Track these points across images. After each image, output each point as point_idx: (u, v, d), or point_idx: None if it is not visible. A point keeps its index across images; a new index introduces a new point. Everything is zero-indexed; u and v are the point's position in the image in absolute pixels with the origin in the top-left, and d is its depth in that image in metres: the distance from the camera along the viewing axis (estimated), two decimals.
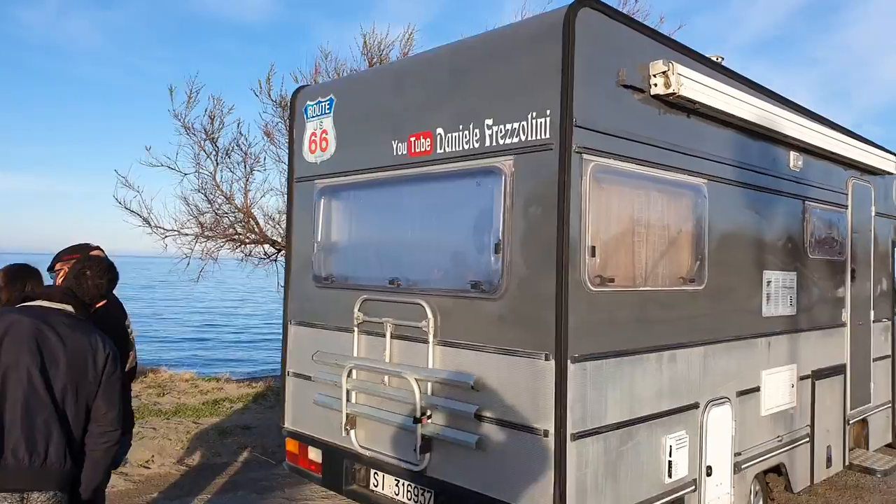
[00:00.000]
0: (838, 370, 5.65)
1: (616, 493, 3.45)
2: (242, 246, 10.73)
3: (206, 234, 10.37)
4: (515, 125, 3.40)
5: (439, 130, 3.76)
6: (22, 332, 2.70)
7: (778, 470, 4.93)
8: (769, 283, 4.73)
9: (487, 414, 3.45)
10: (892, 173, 6.41)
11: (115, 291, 3.23)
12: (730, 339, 4.30)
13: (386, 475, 4.06)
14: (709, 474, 4.08)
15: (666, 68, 3.56)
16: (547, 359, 3.21)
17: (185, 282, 10.43)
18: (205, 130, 10.00)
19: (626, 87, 3.51)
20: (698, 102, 3.79)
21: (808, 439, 5.19)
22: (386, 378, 3.96)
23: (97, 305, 3.09)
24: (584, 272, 3.26)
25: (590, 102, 3.29)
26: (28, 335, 2.70)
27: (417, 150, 3.88)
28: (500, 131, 3.46)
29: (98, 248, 3.42)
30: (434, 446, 3.71)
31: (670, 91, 3.58)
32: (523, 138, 3.37)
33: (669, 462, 3.77)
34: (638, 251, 3.66)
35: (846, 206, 5.78)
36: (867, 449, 6.26)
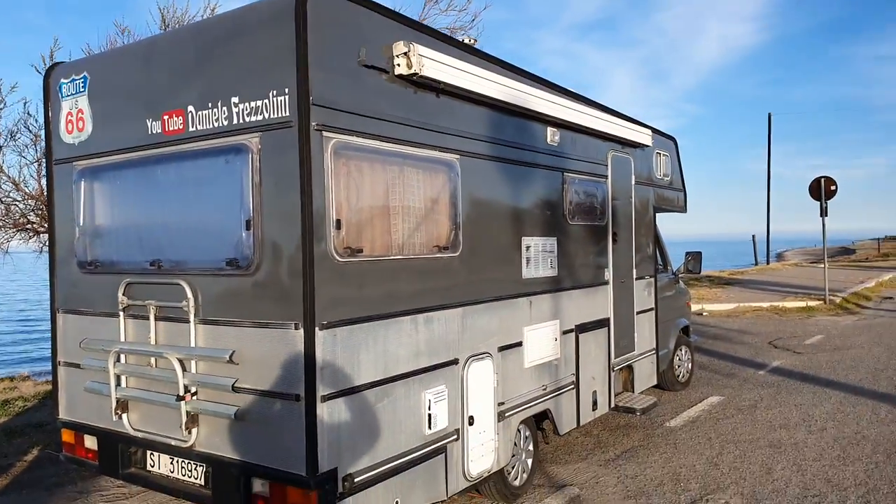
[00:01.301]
0: (602, 323, 6.36)
1: (374, 447, 3.73)
2: (38, 236, 9.93)
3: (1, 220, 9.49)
4: (259, 103, 3.51)
5: (190, 108, 3.78)
6: None
7: (545, 415, 5.51)
8: (528, 248, 5.22)
9: (245, 385, 3.58)
10: (648, 146, 7.25)
11: None
12: (489, 299, 4.73)
13: (161, 455, 4.08)
14: (471, 423, 4.49)
15: (407, 49, 3.82)
16: (297, 328, 3.40)
17: None
18: None
19: (368, 67, 3.73)
20: (442, 82, 4.10)
21: (573, 387, 5.82)
22: (152, 360, 3.97)
23: None
24: (330, 244, 3.46)
25: (328, 81, 3.46)
26: None
27: (171, 129, 3.87)
28: (246, 109, 3.56)
29: None
30: (200, 422, 3.79)
31: (412, 72, 3.85)
32: (266, 116, 3.49)
33: (429, 415, 4.12)
34: (389, 223, 3.91)
35: (606, 177, 6.47)
36: (633, 392, 7.13)
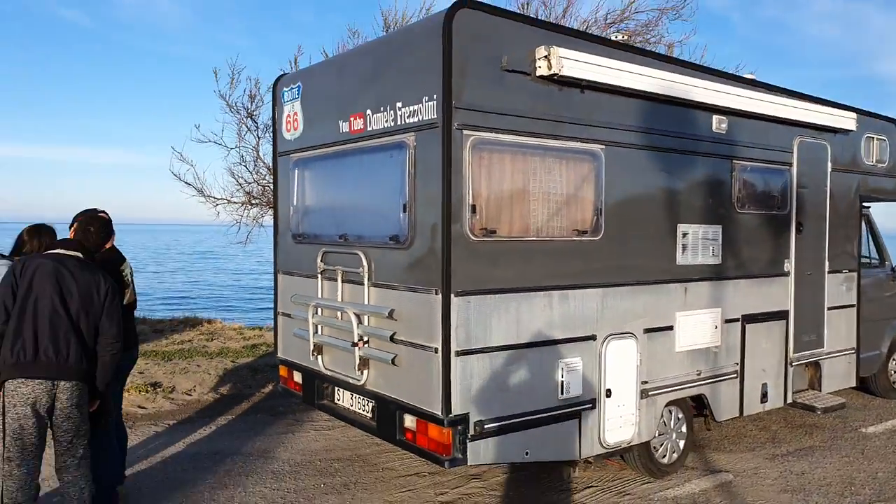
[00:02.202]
0: (778, 316, 6.19)
1: (504, 401, 4.31)
2: None
3: (252, 202, 11.64)
4: (415, 107, 4.24)
5: (368, 111, 4.64)
6: (46, 271, 3.81)
7: (700, 400, 5.62)
8: (685, 235, 5.36)
9: (400, 337, 4.38)
10: (852, 130, 6.75)
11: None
12: (633, 283, 5.01)
13: (344, 391, 5.08)
14: (608, 396, 4.85)
15: (547, 53, 4.29)
16: (436, 293, 4.10)
17: (237, 245, 11.77)
18: (245, 109, 11.19)
19: (510, 71, 4.26)
20: (584, 80, 4.49)
21: (735, 376, 5.81)
22: (338, 313, 4.95)
23: (101, 252, 4.22)
24: (465, 226, 4.10)
25: (470, 87, 4.07)
26: (50, 273, 3.81)
27: (355, 129, 4.78)
28: (407, 112, 4.31)
29: (103, 211, 4.52)
30: (370, 365, 4.68)
31: (553, 72, 4.31)
32: (420, 118, 4.20)
33: (562, 382, 4.58)
34: (527, 208, 4.43)
35: (790, 164, 6.24)
36: (820, 390, 6.77)
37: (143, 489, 4.89)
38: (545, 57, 4.30)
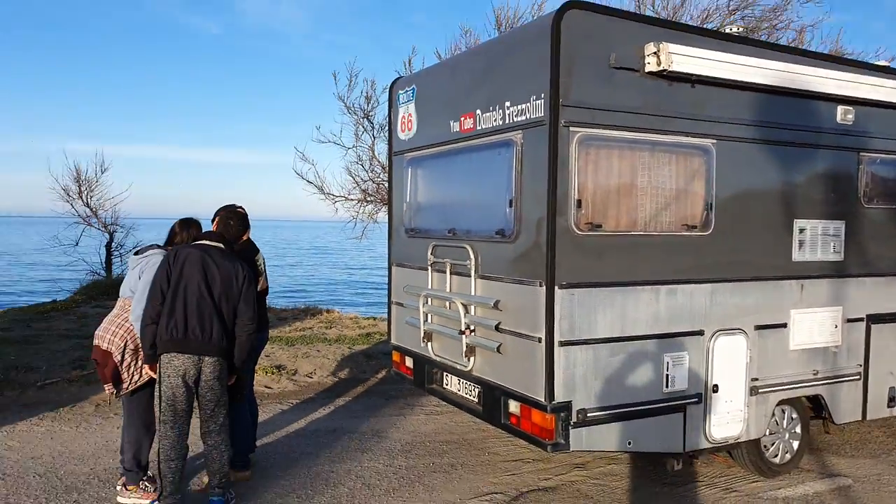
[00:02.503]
0: None
1: (607, 392, 4.41)
2: None
3: (367, 199, 12.22)
4: (523, 106, 4.41)
5: (478, 111, 4.86)
6: (194, 259, 4.31)
7: (818, 401, 5.44)
8: (802, 231, 5.20)
9: (505, 327, 4.58)
10: None
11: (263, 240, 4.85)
12: (744, 279, 4.93)
13: (452, 376, 5.34)
14: (715, 391, 4.83)
15: (656, 49, 4.33)
16: (540, 285, 4.26)
17: (352, 241, 12.40)
18: (362, 110, 11.75)
19: (619, 68, 4.34)
20: (695, 74, 4.48)
21: (858, 377, 5.57)
22: (447, 303, 5.21)
23: (238, 243, 4.71)
24: (570, 220, 4.23)
25: (578, 85, 4.19)
26: (197, 261, 4.30)
27: (465, 128, 5.02)
28: (515, 111, 4.49)
29: (241, 207, 5.02)
30: (476, 352, 4.92)
31: (662, 68, 4.34)
32: (528, 116, 4.37)
33: (667, 375, 4.61)
34: (634, 202, 4.49)
35: None
36: None
37: (270, 458, 5.38)
38: (654, 53, 4.34)
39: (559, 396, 4.25)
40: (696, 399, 4.75)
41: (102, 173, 14.69)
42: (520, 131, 4.45)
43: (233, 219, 4.75)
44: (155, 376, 4.27)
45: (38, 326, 9.96)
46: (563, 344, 4.25)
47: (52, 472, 4.98)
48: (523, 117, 4.41)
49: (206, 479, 4.44)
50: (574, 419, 4.30)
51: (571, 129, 4.21)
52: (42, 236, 15.86)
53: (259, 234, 5.53)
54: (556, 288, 4.21)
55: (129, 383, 4.39)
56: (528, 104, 4.36)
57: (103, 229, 14.70)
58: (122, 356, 4.33)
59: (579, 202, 4.25)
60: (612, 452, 5.16)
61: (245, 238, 4.99)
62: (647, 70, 4.39)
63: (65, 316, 11.00)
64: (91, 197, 14.24)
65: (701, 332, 4.76)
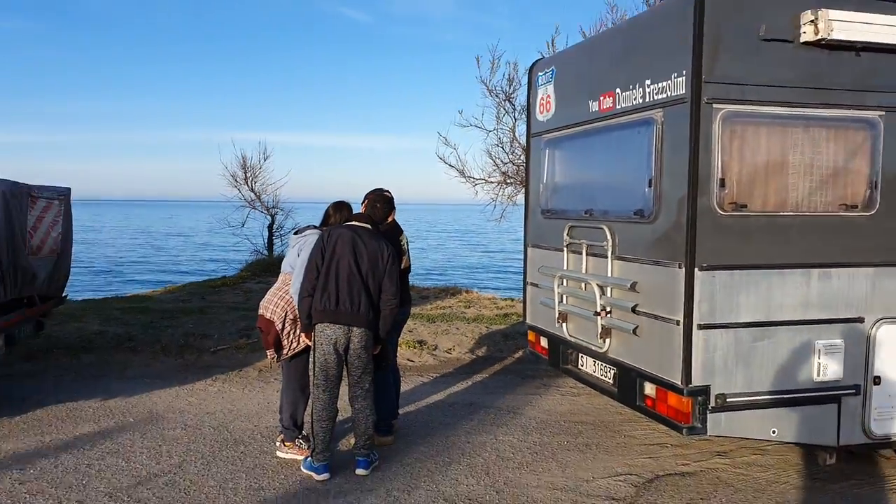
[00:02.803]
0: None
1: (749, 377, 4.25)
2: None
3: (507, 181, 12.35)
4: (664, 83, 4.32)
5: (617, 90, 4.82)
6: (345, 239, 4.66)
7: None
8: None
9: (641, 309, 4.54)
10: None
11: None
12: None
13: (587, 357, 5.37)
14: (877, 383, 4.50)
15: (814, 17, 4.08)
16: (680, 267, 4.18)
17: (491, 223, 12.61)
18: (504, 92, 11.86)
19: (769, 40, 4.13)
20: (859, 42, 4.17)
21: None
22: (582, 284, 5.24)
23: (384, 224, 5.04)
24: (713, 200, 4.11)
25: (722, 60, 4.05)
26: (348, 241, 4.65)
27: (604, 108, 4.99)
28: (655, 89, 4.41)
29: (387, 190, 5.32)
30: (611, 334, 4.91)
31: (819, 37, 4.09)
32: (669, 94, 4.28)
33: (819, 364, 4.36)
34: (785, 181, 4.27)
35: None
36: None
37: (411, 426, 5.71)
38: (811, 21, 4.08)
39: (697, 380, 4.17)
40: (852, 390, 4.46)
41: (265, 160, 15.96)
42: (660, 110, 4.37)
43: (379, 202, 5.07)
44: (311, 344, 4.68)
45: (210, 299, 11.10)
46: (702, 327, 4.16)
47: (223, 426, 5.62)
48: (664, 95, 4.33)
49: (353, 440, 4.82)
50: (713, 403, 4.21)
51: (715, 106, 4.08)
52: (214, 219, 17.51)
53: (403, 217, 5.86)
54: (697, 270, 4.12)
55: (288, 350, 4.85)
56: (670, 82, 4.26)
57: (266, 212, 15.98)
58: (283, 325, 4.79)
59: (722, 181, 4.12)
60: (754, 440, 4.96)
61: (391, 220, 5.30)
62: (802, 40, 4.14)
63: (233, 290, 12.16)
64: (255, 182, 15.55)
65: (860, 320, 4.45)
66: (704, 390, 4.19)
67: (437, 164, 12.59)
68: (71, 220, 6.28)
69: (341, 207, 5.09)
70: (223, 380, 7.02)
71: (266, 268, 14.02)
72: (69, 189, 6.16)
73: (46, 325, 6.62)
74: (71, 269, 6.39)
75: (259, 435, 5.44)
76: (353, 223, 4.80)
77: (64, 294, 6.56)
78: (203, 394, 6.54)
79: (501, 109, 11.99)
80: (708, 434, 4.23)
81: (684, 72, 4.13)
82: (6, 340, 5.49)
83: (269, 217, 15.95)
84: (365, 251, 4.60)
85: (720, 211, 4.14)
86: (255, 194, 15.55)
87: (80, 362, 7.41)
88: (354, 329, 4.57)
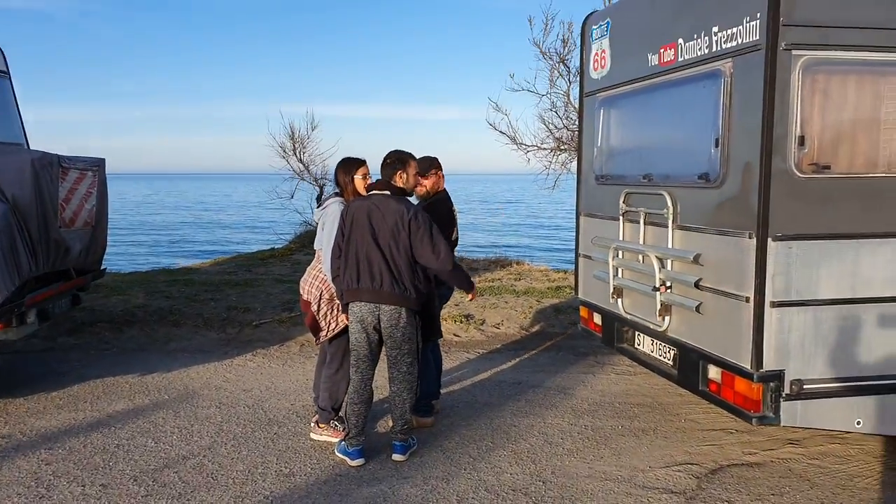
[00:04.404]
0: None
1: (831, 362, 3.77)
2: None
3: (561, 147, 11.79)
4: (734, 30, 3.79)
5: (680, 41, 4.29)
6: (361, 212, 4.26)
7: None
8: None
9: (706, 284, 4.07)
10: None
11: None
12: None
13: (644, 336, 4.94)
14: None
15: None
16: (750, 237, 3.70)
17: (544, 192, 12.11)
18: (558, 54, 11.26)
19: None
20: None
21: None
22: (640, 256, 4.78)
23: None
24: (790, 161, 3.60)
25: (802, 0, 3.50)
26: (364, 214, 4.22)
27: (665, 60, 4.47)
28: (723, 37, 3.88)
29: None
30: (671, 311, 4.46)
31: None
32: (740, 41, 3.75)
33: None
34: (876, 139, 3.72)
35: None
36: None
37: (454, 406, 5.41)
38: None
39: (769, 364, 3.71)
40: None
41: (312, 130, 15.74)
42: (729, 59, 3.85)
43: (388, 159, 4.42)
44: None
45: (257, 271, 11.02)
46: (775, 305, 3.68)
47: (258, 405, 5.43)
48: (734, 42, 3.80)
49: (391, 423, 4.54)
50: (787, 391, 3.74)
51: (794, 52, 3.54)
52: (263, 192, 17.48)
53: (454, 187, 5.48)
54: (770, 240, 3.63)
55: (327, 331, 4.59)
56: (741, 27, 3.74)
57: (314, 183, 15.81)
58: (319, 305, 4.53)
59: (801, 139, 3.60)
60: (835, 432, 4.46)
61: (439, 188, 4.96)
62: None
63: (280, 262, 12.06)
64: (304, 153, 15.36)
65: None
66: (777, 375, 3.73)
67: (487, 132, 12.12)
68: (106, 191, 6.14)
69: (348, 167, 4.56)
70: (263, 354, 6.86)
71: (314, 239, 13.89)
72: (103, 160, 6.01)
73: (83, 298, 6.55)
74: (107, 242, 6.27)
75: (294, 415, 5.23)
76: (372, 192, 4.38)
77: (102, 267, 6.46)
78: (242, 369, 6.38)
79: (555, 72, 11.41)
80: (781, 424, 3.78)
81: (758, 14, 3.60)
82: (39, 315, 5.40)
83: (317, 188, 15.79)
84: (383, 221, 4.21)
85: (798, 173, 3.63)
86: (304, 165, 15.38)
87: (123, 335, 7.38)
88: (382, 307, 4.24)
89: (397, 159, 4.41)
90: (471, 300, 4.62)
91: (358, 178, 4.58)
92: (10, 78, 6.75)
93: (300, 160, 15.42)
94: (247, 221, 43.75)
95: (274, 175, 15.65)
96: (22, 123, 6.81)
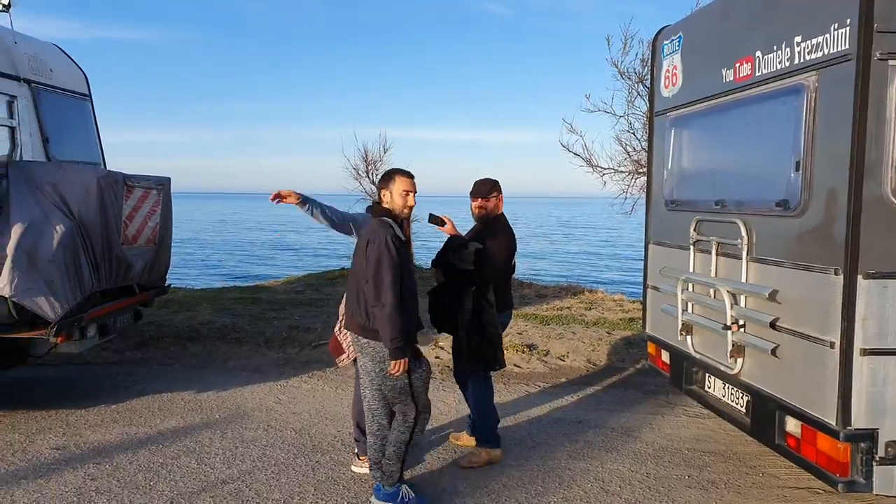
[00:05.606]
0: None
1: None
2: None
3: (639, 170, 11.28)
4: (819, 39, 3.38)
5: (758, 53, 3.90)
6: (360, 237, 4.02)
7: None
8: None
9: (783, 324, 3.62)
10: None
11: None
12: None
13: (715, 378, 4.48)
14: None
15: None
16: (836, 273, 3.25)
17: (621, 217, 11.61)
18: (637, 74, 10.82)
19: None
20: None
21: None
22: (711, 290, 4.35)
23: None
24: (886, 186, 3.14)
25: None
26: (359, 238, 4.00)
27: (741, 76, 4.07)
28: (807, 47, 3.48)
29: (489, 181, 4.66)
30: (745, 352, 4.01)
31: None
32: (826, 52, 3.34)
33: None
34: None
35: None
36: None
37: (506, 444, 5.05)
38: None
39: (858, 421, 3.22)
40: None
41: (385, 153, 15.83)
42: (814, 72, 3.43)
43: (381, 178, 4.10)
44: None
45: (324, 291, 11.05)
46: (867, 353, 3.20)
47: (306, 430, 5.29)
48: (819, 53, 3.39)
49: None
50: (881, 453, 3.25)
51: (892, 63, 3.11)
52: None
53: (525, 210, 5.19)
54: (860, 277, 3.18)
55: (348, 353, 4.43)
56: (827, 36, 3.33)
57: None
58: (340, 327, 4.38)
59: None
60: None
61: (500, 212, 4.71)
62: None
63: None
64: (376, 175, 15.45)
65: None
66: (870, 435, 3.24)
67: (562, 154, 11.75)
68: (170, 210, 6.23)
69: (389, 178, 4.02)
70: (318, 376, 6.75)
71: None
72: (168, 179, 6.11)
73: (148, 313, 6.66)
74: (171, 259, 6.36)
75: (339, 442, 5.05)
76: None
77: (167, 283, 6.56)
78: (295, 391, 6.29)
79: (633, 92, 10.96)
80: (875, 492, 3.27)
81: (848, 21, 3.18)
82: (99, 330, 5.48)
83: None
84: (360, 244, 3.94)
85: (895, 200, 3.16)
86: (376, 187, 15.50)
87: (187, 351, 7.47)
88: (360, 339, 3.92)
89: (385, 175, 4.07)
90: (393, 371, 3.80)
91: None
92: (91, 100, 7.02)
93: (373, 182, 15.51)
94: (321, 240, 44.69)
95: (348, 196, 15.82)
96: (100, 144, 7.06)
